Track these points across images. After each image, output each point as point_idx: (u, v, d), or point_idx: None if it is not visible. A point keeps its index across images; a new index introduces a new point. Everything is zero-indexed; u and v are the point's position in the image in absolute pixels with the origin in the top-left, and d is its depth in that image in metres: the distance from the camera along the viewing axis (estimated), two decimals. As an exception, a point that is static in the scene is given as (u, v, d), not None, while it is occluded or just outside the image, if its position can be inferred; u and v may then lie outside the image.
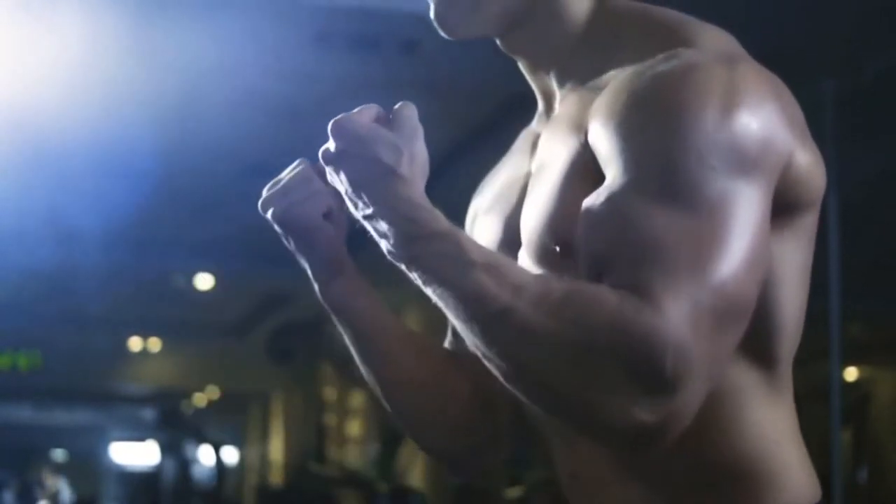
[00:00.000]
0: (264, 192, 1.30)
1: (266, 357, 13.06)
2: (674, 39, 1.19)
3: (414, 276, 1.13)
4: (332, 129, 1.16)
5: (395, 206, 1.13)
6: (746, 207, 1.08)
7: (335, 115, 1.18)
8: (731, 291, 1.06)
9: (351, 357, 1.37)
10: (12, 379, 13.98)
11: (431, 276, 1.11)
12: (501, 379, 1.11)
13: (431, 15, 1.30)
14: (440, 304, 1.12)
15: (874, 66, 5.21)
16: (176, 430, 18.34)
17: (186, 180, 7.30)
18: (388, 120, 1.19)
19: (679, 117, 1.10)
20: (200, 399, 17.47)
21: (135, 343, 14.73)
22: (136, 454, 21.72)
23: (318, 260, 1.31)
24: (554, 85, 1.31)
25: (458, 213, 1.18)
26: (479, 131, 6.33)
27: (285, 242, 1.32)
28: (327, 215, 1.27)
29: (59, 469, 19.03)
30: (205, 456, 18.51)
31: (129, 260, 9.26)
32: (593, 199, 1.12)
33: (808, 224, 1.20)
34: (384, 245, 1.14)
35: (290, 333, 12.56)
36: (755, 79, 1.14)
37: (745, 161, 1.09)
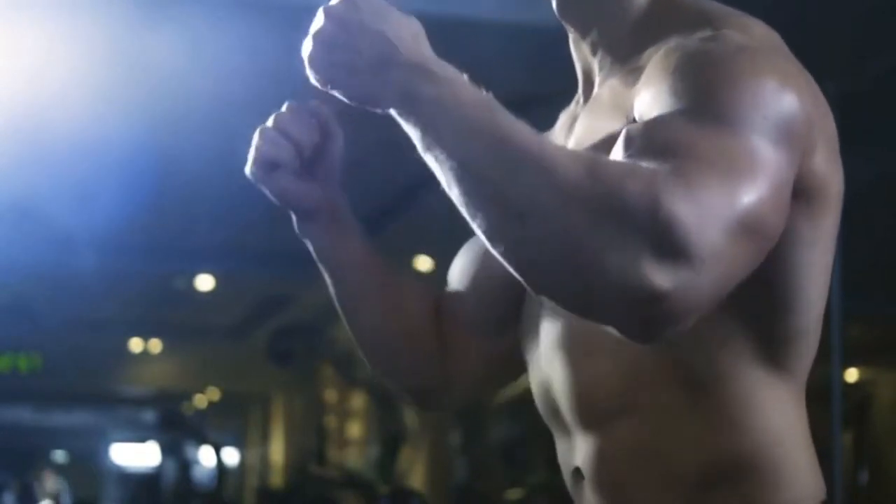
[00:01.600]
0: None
1: (266, 359, 13.04)
2: (723, 26, 1.21)
3: (434, 126, 1.11)
4: (325, 11, 1.20)
5: (423, 60, 1.15)
6: (777, 158, 1.11)
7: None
8: (758, 211, 1.07)
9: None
10: (13, 380, 13.97)
11: (455, 116, 1.10)
12: (507, 233, 1.08)
13: None
14: (457, 153, 1.09)
15: (875, 67, 5.21)
16: (176, 431, 18.32)
17: (187, 182, 7.29)
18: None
19: (728, 76, 1.12)
20: (201, 400, 17.47)
21: (135, 344, 14.73)
22: (137, 456, 21.72)
23: (292, 208, 1.41)
24: (595, 64, 1.32)
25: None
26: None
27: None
28: (273, 166, 1.40)
29: (60, 470, 19.03)
30: (205, 457, 18.50)
31: (130, 261, 9.26)
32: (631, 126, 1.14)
33: (828, 227, 1.22)
34: (404, 107, 1.13)
35: (291, 335, 12.55)
36: (800, 73, 1.18)
37: (784, 128, 1.12)
